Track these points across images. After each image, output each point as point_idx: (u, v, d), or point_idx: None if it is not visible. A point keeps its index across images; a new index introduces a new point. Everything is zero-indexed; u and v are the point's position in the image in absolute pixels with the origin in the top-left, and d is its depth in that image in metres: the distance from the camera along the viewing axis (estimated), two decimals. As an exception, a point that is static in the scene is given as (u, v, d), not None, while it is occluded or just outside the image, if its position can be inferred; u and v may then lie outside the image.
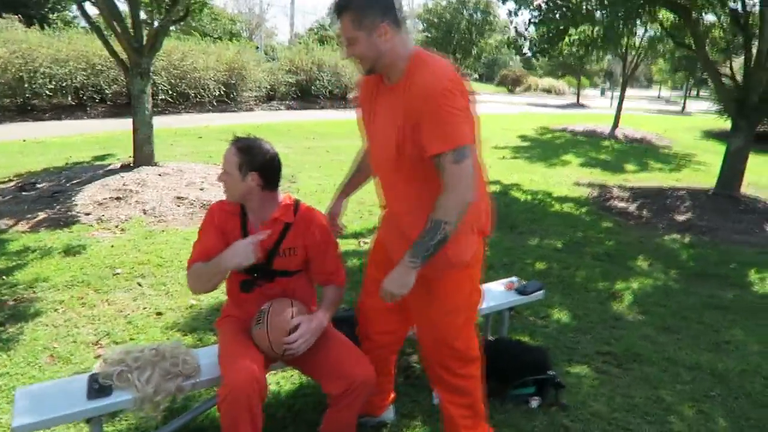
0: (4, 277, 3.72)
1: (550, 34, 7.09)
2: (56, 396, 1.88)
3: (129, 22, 6.00)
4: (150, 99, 6.29)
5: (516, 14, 7.21)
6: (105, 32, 6.18)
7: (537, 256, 4.71)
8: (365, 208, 5.82)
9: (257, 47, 22.95)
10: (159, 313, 3.34)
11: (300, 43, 20.97)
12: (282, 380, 2.68)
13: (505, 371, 2.54)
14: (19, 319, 3.16)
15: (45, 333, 3.03)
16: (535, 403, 2.55)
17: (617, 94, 32.56)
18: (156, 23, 6.11)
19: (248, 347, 1.95)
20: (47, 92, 11.86)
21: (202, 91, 14.59)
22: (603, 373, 2.91)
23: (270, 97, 16.99)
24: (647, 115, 23.87)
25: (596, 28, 6.80)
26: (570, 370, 2.91)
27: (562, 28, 6.89)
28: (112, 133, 10.11)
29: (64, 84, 12.15)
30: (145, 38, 6.04)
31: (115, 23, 5.68)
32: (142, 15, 6.29)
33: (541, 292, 3.00)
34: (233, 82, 15.49)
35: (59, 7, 22.36)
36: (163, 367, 2.00)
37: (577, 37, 7.32)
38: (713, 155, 11.52)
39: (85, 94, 12.70)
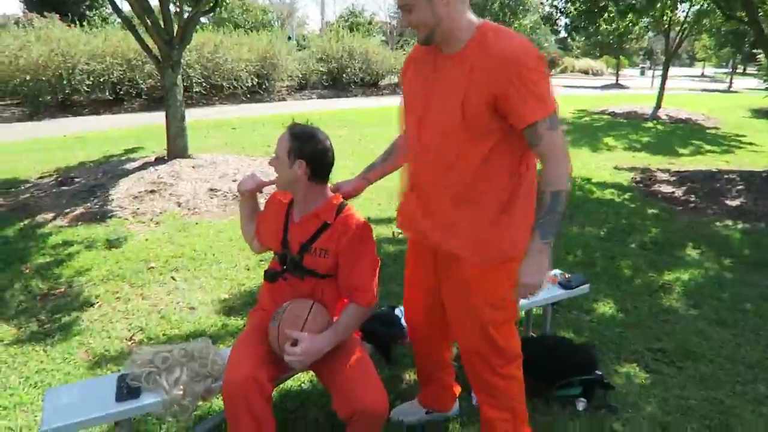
0: (44, 270, 3.77)
1: (588, 9, 6.74)
2: (85, 398, 1.84)
3: (159, 15, 5.99)
4: (182, 91, 6.30)
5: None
6: (136, 26, 6.19)
7: (579, 245, 4.50)
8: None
9: (289, 37, 22.96)
10: (192, 308, 3.31)
11: (331, 31, 20.84)
12: (297, 386, 2.59)
13: (549, 371, 2.39)
14: (57, 314, 3.19)
15: (81, 328, 3.04)
16: (581, 405, 2.40)
17: (658, 73, 31.35)
18: (186, 15, 6.08)
19: (258, 346, 1.89)
20: (86, 88, 12.12)
21: (234, 82, 14.68)
22: (654, 372, 2.72)
23: (302, 86, 16.99)
24: (691, 94, 22.87)
25: None
26: (618, 368, 2.74)
27: (600, 3, 6.54)
28: (147, 126, 10.25)
29: (102, 79, 12.41)
30: (175, 30, 6.03)
31: (145, 16, 5.67)
32: (172, 7, 6.27)
33: (587, 286, 2.83)
34: (265, 72, 15.54)
35: (97, 3, 22.83)
36: (191, 368, 1.94)
37: (614, 9, 6.91)
38: (765, 135, 10.91)
39: (122, 89, 12.95)
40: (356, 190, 2.07)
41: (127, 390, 1.86)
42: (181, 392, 1.85)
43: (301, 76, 16.74)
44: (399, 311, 2.47)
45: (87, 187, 5.70)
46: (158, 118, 11.37)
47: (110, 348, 2.86)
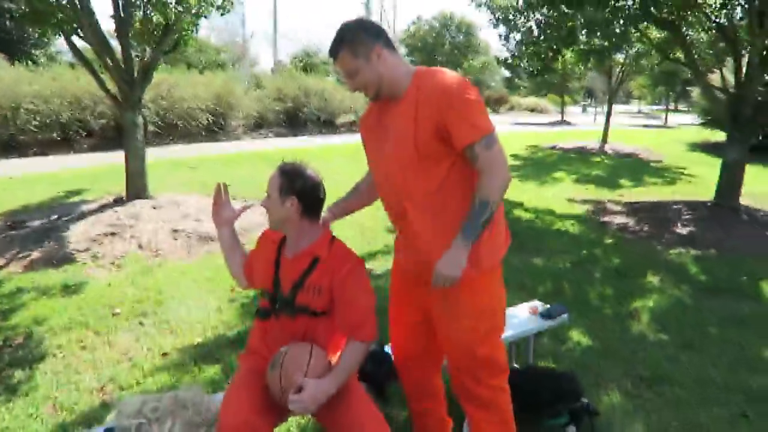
0: (-2, 321, 3.55)
1: (543, 56, 7.14)
2: (68, 455, 1.73)
3: (119, 55, 5.91)
4: (142, 131, 6.18)
5: (507, 39, 7.26)
6: (94, 66, 6.09)
7: (547, 275, 4.62)
8: (368, 233, 5.72)
9: (240, 76, 23.01)
10: (164, 354, 3.18)
11: (285, 70, 21.07)
12: (296, 427, 2.53)
13: (537, 401, 2.42)
14: (16, 367, 2.99)
15: (45, 381, 2.87)
16: (571, 431, 2.43)
17: (599, 110, 32.96)
18: (147, 56, 6.03)
19: (253, 391, 1.84)
20: (32, 128, 11.69)
21: (190, 121, 14.51)
22: (634, 397, 2.80)
23: (258, 125, 16.95)
24: (632, 129, 24.18)
25: (592, 44, 6.83)
26: (600, 395, 2.79)
27: (556, 48, 6.94)
28: (99, 168, 9.93)
29: (49, 120, 12.00)
30: (135, 71, 5.96)
31: (106, 57, 5.59)
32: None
33: (566, 315, 2.90)
34: (221, 111, 15.45)
35: (43, 40, 22.26)
36: (184, 417, 1.85)
37: (572, 55, 7.37)
38: (704, 167, 11.62)
39: (71, 130, 12.55)
40: (324, 222, 2.08)
41: (114, 444, 1.76)
42: (174, 443, 1.77)
43: (257, 114, 16.73)
44: (388, 349, 2.46)
45: (40, 231, 5.43)
46: (110, 158, 11.13)
47: (79, 401, 2.70)
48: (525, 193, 8.43)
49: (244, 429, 1.69)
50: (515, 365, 2.93)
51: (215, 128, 15.38)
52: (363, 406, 1.83)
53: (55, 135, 12.57)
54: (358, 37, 1.75)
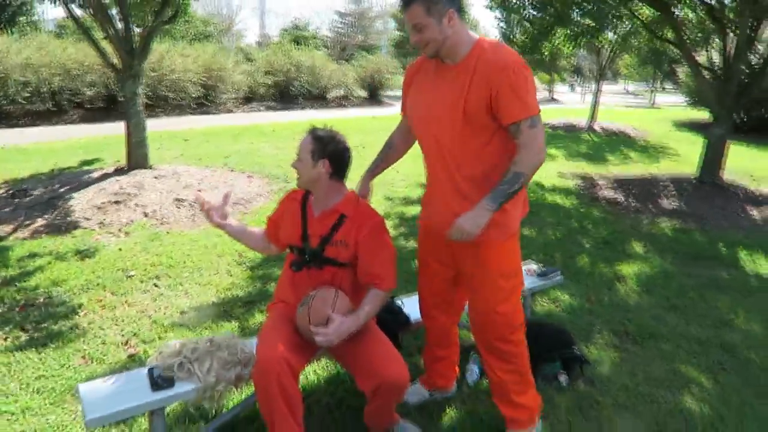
0: (17, 282, 3.68)
1: (537, 34, 7.27)
2: (120, 390, 1.91)
3: (119, 25, 5.93)
4: (142, 101, 6.24)
5: (504, 22, 7.34)
6: (93, 35, 6.10)
7: (539, 246, 4.85)
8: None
9: (227, 48, 22.73)
10: (182, 312, 3.36)
11: (275, 44, 20.87)
12: (321, 370, 2.74)
13: (534, 349, 2.63)
14: (43, 323, 3.15)
15: (72, 335, 3.03)
16: (564, 380, 2.67)
17: (587, 88, 33.10)
18: (147, 25, 6.06)
19: (284, 331, 2.02)
20: (22, 99, 11.59)
21: (180, 93, 14.44)
22: (622, 350, 3.05)
23: (249, 99, 16.89)
24: (620, 108, 24.44)
25: (584, 22, 6.98)
26: (591, 349, 3.04)
27: (548, 27, 7.08)
28: (94, 138, 9.93)
29: (39, 90, 11.88)
30: (135, 41, 6.00)
31: (107, 27, 5.62)
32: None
33: (560, 276, 3.13)
34: (212, 84, 15.36)
35: (25, 9, 21.72)
36: (221, 357, 2.05)
37: (564, 35, 7.51)
38: (687, 145, 11.92)
39: (62, 100, 12.44)
40: (370, 187, 2.31)
41: (161, 380, 1.94)
42: (215, 379, 1.96)
43: (248, 88, 16.66)
44: (399, 301, 2.66)
45: (44, 199, 5.53)
46: (103, 129, 11.12)
47: (107, 353, 2.87)
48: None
49: (280, 363, 1.86)
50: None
51: (205, 101, 15.32)
52: (383, 346, 2.03)
53: (44, 105, 12.47)
54: None
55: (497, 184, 1.88)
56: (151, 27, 6.02)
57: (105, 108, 13.37)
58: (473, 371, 2.70)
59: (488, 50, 1.86)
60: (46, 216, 5.08)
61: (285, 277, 2.23)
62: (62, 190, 5.80)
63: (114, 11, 6.01)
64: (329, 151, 2.02)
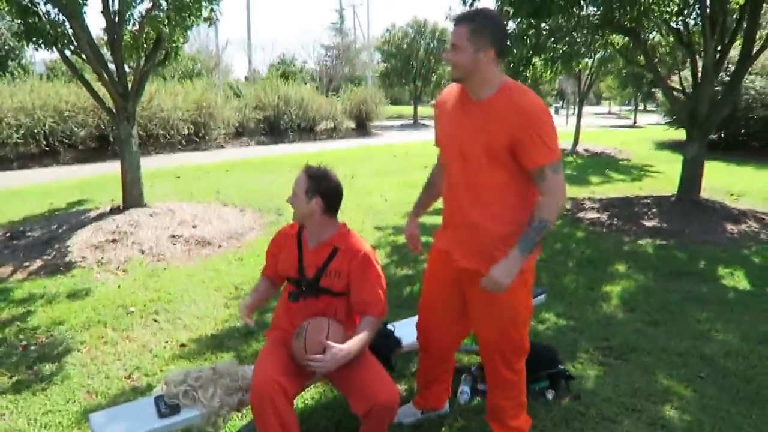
0: (18, 323, 3.78)
1: (514, 62, 7.60)
2: (129, 418, 2.03)
3: (112, 68, 6.15)
4: (137, 141, 6.42)
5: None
6: (87, 80, 6.30)
7: (526, 266, 5.00)
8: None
9: (215, 84, 23.14)
10: (183, 345, 3.47)
11: (263, 79, 21.32)
12: (318, 394, 2.85)
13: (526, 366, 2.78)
14: (46, 361, 3.25)
15: (75, 371, 3.13)
16: (550, 395, 2.80)
17: (570, 112, 33.90)
18: (140, 68, 6.28)
19: (280, 357, 2.15)
20: (15, 141, 11.75)
21: (171, 131, 14.67)
22: (605, 364, 3.19)
23: (239, 134, 17.16)
24: (603, 130, 24.99)
25: (558, 52, 7.32)
26: (575, 364, 3.18)
27: (525, 57, 7.41)
28: (87, 178, 10.09)
29: (32, 132, 12.06)
30: (129, 84, 6.21)
31: (102, 71, 5.83)
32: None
33: (544, 295, 3.28)
34: (202, 120, 15.62)
35: (13, 54, 22.08)
36: (223, 384, 2.18)
37: (541, 62, 7.85)
38: (668, 164, 12.25)
39: (54, 141, 12.61)
40: (416, 229, 2.48)
41: (168, 408, 2.06)
42: (218, 404, 2.08)
43: (238, 123, 16.94)
44: (390, 326, 2.80)
45: (42, 240, 5.64)
46: (96, 169, 11.28)
47: (111, 387, 2.97)
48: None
49: (274, 387, 2.00)
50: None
51: (196, 138, 15.55)
52: (375, 370, 2.17)
53: (37, 147, 12.62)
54: (485, 28, 1.92)
55: (524, 234, 1.98)
56: (143, 69, 6.24)
57: (97, 148, 13.55)
58: (465, 393, 2.82)
59: (514, 93, 1.96)
60: (44, 257, 5.19)
61: (281, 306, 2.37)
62: (59, 230, 5.92)
63: (105, 51, 6.23)
64: (322, 188, 2.19)
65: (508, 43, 7.38)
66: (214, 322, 3.82)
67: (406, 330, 2.82)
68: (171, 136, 14.71)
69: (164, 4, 5.74)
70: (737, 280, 4.74)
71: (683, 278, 4.79)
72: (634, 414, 2.70)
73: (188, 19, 5.96)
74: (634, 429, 2.58)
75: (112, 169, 11.31)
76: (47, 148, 12.57)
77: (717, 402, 2.81)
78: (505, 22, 2.08)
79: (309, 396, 2.82)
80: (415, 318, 3.03)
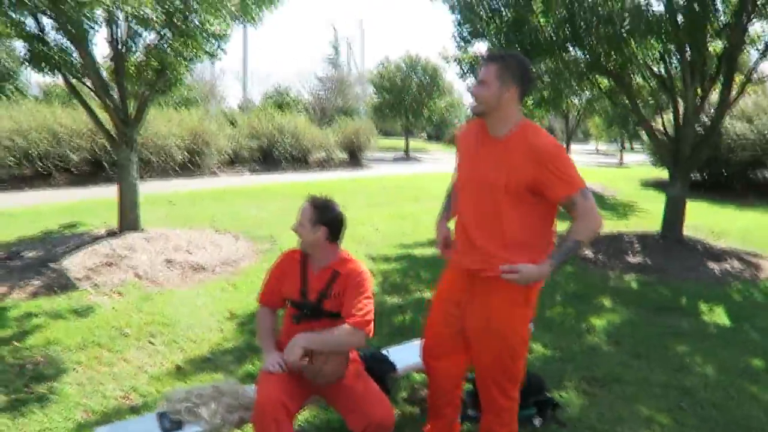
0: (15, 342, 3.82)
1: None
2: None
3: (116, 94, 6.32)
4: (137, 167, 6.54)
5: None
6: (90, 105, 6.46)
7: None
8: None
9: (208, 111, 23.42)
10: (179, 367, 3.53)
11: (258, 109, 21.67)
12: (313, 417, 2.93)
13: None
14: (43, 380, 3.29)
15: (72, 391, 3.18)
16: (537, 422, 2.90)
17: (559, 149, 34.33)
18: (142, 96, 6.46)
19: (281, 376, 2.24)
20: (9, 163, 11.82)
21: (165, 157, 14.80)
22: (590, 394, 3.30)
23: (233, 162, 17.33)
24: (590, 167, 25.49)
25: (546, 92, 7.63)
26: (561, 393, 3.28)
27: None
28: (80, 202, 10.14)
29: (26, 155, 12.14)
30: (131, 110, 6.37)
31: (105, 98, 5.99)
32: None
33: (532, 325, 3.39)
34: (197, 148, 15.78)
35: (8, 76, 22.24)
36: (224, 402, 2.26)
37: (531, 101, 8.16)
38: (653, 202, 12.55)
39: (49, 164, 12.69)
40: (448, 231, 2.54)
41: (170, 424, 2.14)
42: (220, 421, 2.17)
43: (232, 151, 17.13)
44: (385, 351, 2.91)
45: (37, 261, 5.69)
46: (90, 193, 11.34)
47: (108, 406, 3.03)
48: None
49: (276, 405, 2.10)
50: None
51: (190, 165, 15.68)
52: (371, 389, 2.29)
53: (31, 170, 12.68)
54: (512, 69, 2.12)
55: (560, 248, 2.16)
56: (146, 97, 6.42)
57: (91, 173, 13.63)
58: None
59: (530, 133, 2.14)
60: (40, 278, 5.23)
61: (284, 328, 2.48)
62: (54, 252, 5.97)
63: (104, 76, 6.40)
64: (326, 219, 2.33)
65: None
66: (209, 345, 3.89)
67: (400, 355, 2.94)
68: (165, 162, 14.83)
69: (169, 35, 5.93)
70: (717, 316, 4.90)
71: (666, 313, 4.95)
72: (617, 441, 2.81)
73: (193, 53, 6.16)
74: (617, 455, 2.69)
75: (104, 193, 11.38)
76: (41, 171, 12.64)
77: (696, 431, 2.93)
78: (532, 67, 2.32)
79: (310, 415, 2.89)
80: (409, 344, 3.16)
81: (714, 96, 7.72)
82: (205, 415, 2.17)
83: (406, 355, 3.00)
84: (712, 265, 6.65)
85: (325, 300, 2.35)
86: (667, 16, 6.32)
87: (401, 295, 5.13)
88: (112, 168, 13.63)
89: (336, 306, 2.35)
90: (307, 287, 2.38)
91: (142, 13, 4.78)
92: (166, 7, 5.33)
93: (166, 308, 4.59)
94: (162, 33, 5.77)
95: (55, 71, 5.99)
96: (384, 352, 2.89)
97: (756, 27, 7.23)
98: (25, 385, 3.22)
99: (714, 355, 3.98)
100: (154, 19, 5.02)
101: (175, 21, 5.50)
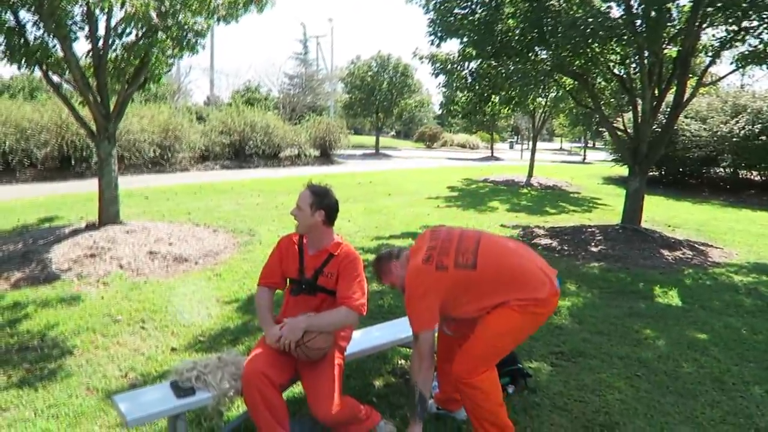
0: (8, 328, 3.93)
1: (476, 100, 8.24)
2: (150, 399, 2.31)
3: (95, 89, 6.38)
4: (116, 161, 6.61)
5: (446, 87, 8.32)
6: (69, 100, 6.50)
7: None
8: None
9: (175, 108, 23.17)
10: (173, 349, 3.71)
11: (228, 105, 21.59)
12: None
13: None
14: (43, 362, 3.43)
15: (73, 371, 3.33)
16: (511, 389, 3.21)
17: (525, 147, 35.38)
18: (122, 91, 6.53)
19: (268, 351, 2.46)
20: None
21: (136, 152, 14.69)
22: (557, 366, 3.63)
23: (204, 158, 17.28)
24: (555, 165, 26.26)
25: (514, 91, 8.01)
26: (532, 365, 3.60)
27: (485, 95, 8.07)
28: (52, 196, 10.07)
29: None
30: (111, 106, 6.44)
31: (87, 93, 6.05)
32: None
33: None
34: (168, 143, 15.70)
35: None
36: (229, 371, 2.48)
37: (499, 100, 8.53)
38: (614, 197, 13.17)
39: (14, 159, 12.47)
40: None
41: (184, 390, 2.35)
42: (228, 387, 2.39)
43: (204, 147, 17.08)
44: (371, 329, 3.17)
45: (18, 254, 5.73)
46: (61, 187, 11.23)
47: (110, 384, 3.19)
48: (466, 220, 9.40)
49: (260, 377, 2.33)
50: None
51: (161, 160, 15.60)
52: (326, 387, 2.42)
53: (-3, 165, 12.45)
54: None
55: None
56: (126, 92, 6.49)
57: (59, 168, 13.44)
58: (436, 387, 3.19)
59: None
60: (23, 269, 5.29)
61: (285, 300, 2.71)
62: (35, 245, 6.01)
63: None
64: (325, 203, 2.57)
65: (471, 80, 8.11)
66: (201, 329, 4.07)
67: (383, 332, 3.21)
68: (136, 157, 14.73)
69: (153, 36, 6.01)
70: (671, 298, 5.32)
71: (625, 296, 5.35)
72: (581, 404, 3.13)
73: (176, 50, 6.27)
74: (581, 415, 3.01)
75: (76, 188, 11.30)
76: (7, 166, 12.42)
77: (650, 395, 3.28)
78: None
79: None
80: (390, 323, 3.44)
81: (670, 97, 8.23)
82: (212, 382, 2.39)
83: (388, 332, 3.29)
84: (667, 253, 7.14)
85: (320, 276, 2.59)
86: (628, 21, 6.74)
87: (380, 283, 5.38)
88: (82, 164, 13.50)
89: (329, 283, 2.59)
90: (304, 266, 2.62)
91: (145, 14, 4.88)
92: (160, 7, 5.43)
93: (154, 297, 4.74)
94: (150, 31, 5.85)
95: (35, 66, 6.03)
96: (369, 329, 3.14)
97: (708, 33, 7.77)
98: (26, 369, 3.35)
99: (667, 331, 4.37)
100: (154, 18, 5.12)
101: (168, 21, 5.61)
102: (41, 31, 5.79)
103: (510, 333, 2.54)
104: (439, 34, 7.57)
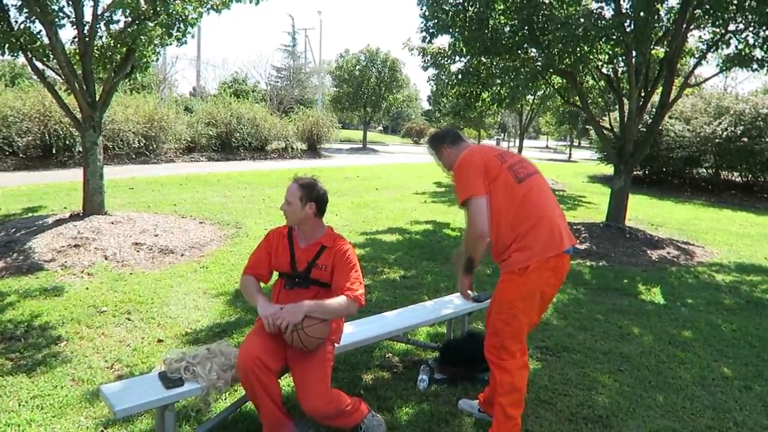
0: (-9, 319, 3.87)
1: (466, 96, 8.26)
2: (138, 389, 2.29)
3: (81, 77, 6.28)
4: (101, 150, 6.53)
5: (436, 81, 8.31)
6: (54, 88, 6.40)
7: (474, 279, 5.49)
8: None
9: (161, 98, 22.92)
10: (160, 341, 3.69)
11: (215, 96, 21.39)
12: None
13: (474, 357, 3.21)
14: (27, 352, 3.39)
15: (57, 362, 3.30)
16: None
17: (511, 144, 35.55)
18: (109, 80, 6.44)
19: (262, 338, 2.45)
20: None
21: (120, 142, 14.50)
22: (542, 360, 3.68)
23: (191, 149, 17.11)
24: (540, 162, 26.45)
25: (504, 89, 8.05)
26: (517, 360, 3.64)
27: (475, 92, 8.10)
28: (35, 186, 9.91)
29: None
30: (97, 94, 6.35)
31: (73, 81, 5.96)
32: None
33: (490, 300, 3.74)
34: (153, 134, 15.51)
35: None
36: (218, 362, 2.47)
37: (488, 98, 8.56)
38: (599, 196, 13.30)
39: (-4, 147, 12.26)
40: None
41: (172, 380, 2.34)
42: (216, 377, 2.38)
43: (190, 139, 16.91)
44: (362, 321, 3.18)
45: (1, 243, 5.64)
46: (43, 177, 11.05)
47: (96, 375, 3.17)
48: (453, 216, 9.44)
49: (255, 363, 2.33)
50: (462, 333, 3.73)
51: (146, 151, 15.41)
52: (314, 380, 2.42)
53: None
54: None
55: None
56: (112, 81, 6.41)
57: (41, 157, 13.22)
58: (424, 381, 3.22)
59: None
60: (5, 259, 5.21)
61: (273, 296, 2.70)
62: (17, 234, 5.92)
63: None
64: (314, 196, 2.57)
65: (460, 77, 8.13)
66: (188, 321, 4.05)
67: (373, 325, 3.23)
68: (120, 148, 14.54)
69: (141, 24, 5.93)
70: (654, 295, 5.41)
71: (609, 293, 5.42)
72: (565, 398, 3.18)
73: (165, 38, 6.19)
74: (566, 409, 3.06)
75: (58, 177, 11.14)
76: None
77: (632, 389, 3.34)
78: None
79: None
80: (380, 315, 3.45)
81: (656, 97, 8.33)
82: (201, 373, 2.38)
83: (376, 325, 3.30)
84: (651, 251, 7.25)
85: (314, 269, 2.59)
86: (618, 21, 6.80)
87: (370, 277, 5.40)
88: (64, 153, 13.30)
89: (323, 276, 2.59)
90: (296, 259, 2.61)
91: (133, 0, 4.80)
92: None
93: (139, 288, 4.70)
94: (138, 18, 5.77)
95: (18, 52, 5.92)
96: (357, 322, 3.15)
97: (695, 35, 7.88)
98: (9, 358, 3.30)
99: (649, 327, 4.45)
100: (143, 4, 5.05)
101: (157, 7, 5.54)
102: (25, 16, 5.68)
103: (518, 299, 2.63)
104: (431, 31, 7.56)
